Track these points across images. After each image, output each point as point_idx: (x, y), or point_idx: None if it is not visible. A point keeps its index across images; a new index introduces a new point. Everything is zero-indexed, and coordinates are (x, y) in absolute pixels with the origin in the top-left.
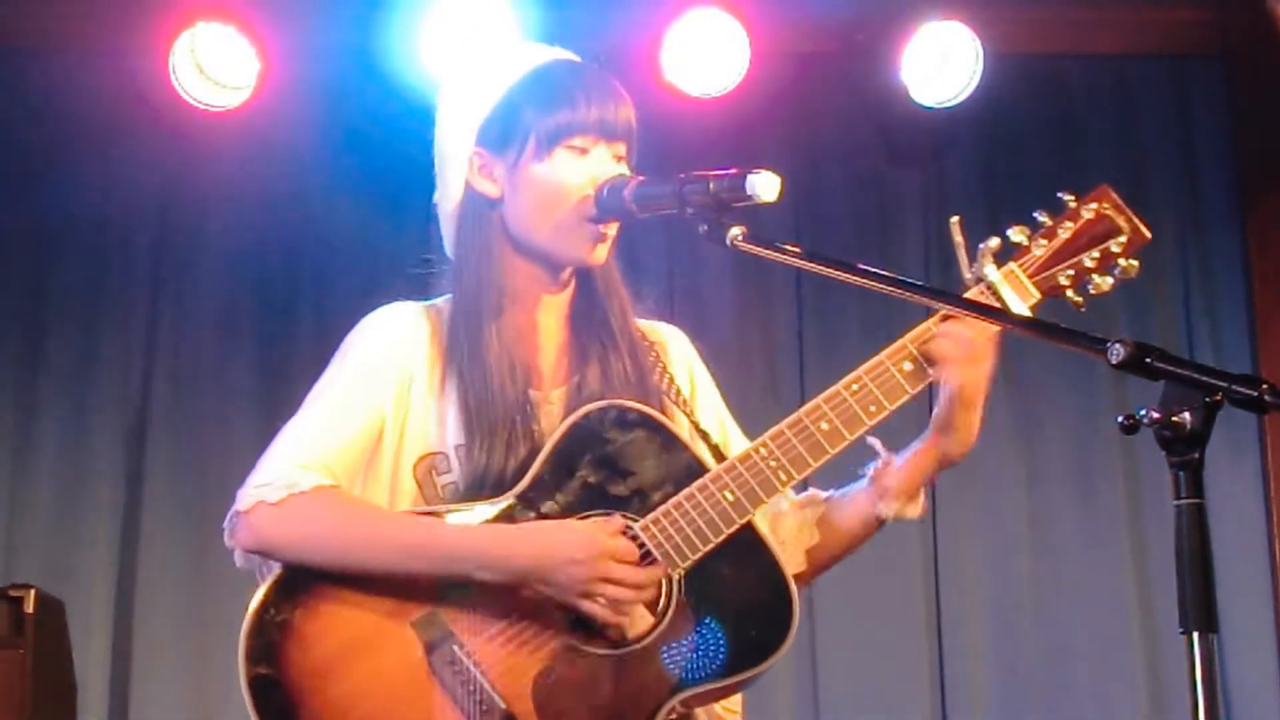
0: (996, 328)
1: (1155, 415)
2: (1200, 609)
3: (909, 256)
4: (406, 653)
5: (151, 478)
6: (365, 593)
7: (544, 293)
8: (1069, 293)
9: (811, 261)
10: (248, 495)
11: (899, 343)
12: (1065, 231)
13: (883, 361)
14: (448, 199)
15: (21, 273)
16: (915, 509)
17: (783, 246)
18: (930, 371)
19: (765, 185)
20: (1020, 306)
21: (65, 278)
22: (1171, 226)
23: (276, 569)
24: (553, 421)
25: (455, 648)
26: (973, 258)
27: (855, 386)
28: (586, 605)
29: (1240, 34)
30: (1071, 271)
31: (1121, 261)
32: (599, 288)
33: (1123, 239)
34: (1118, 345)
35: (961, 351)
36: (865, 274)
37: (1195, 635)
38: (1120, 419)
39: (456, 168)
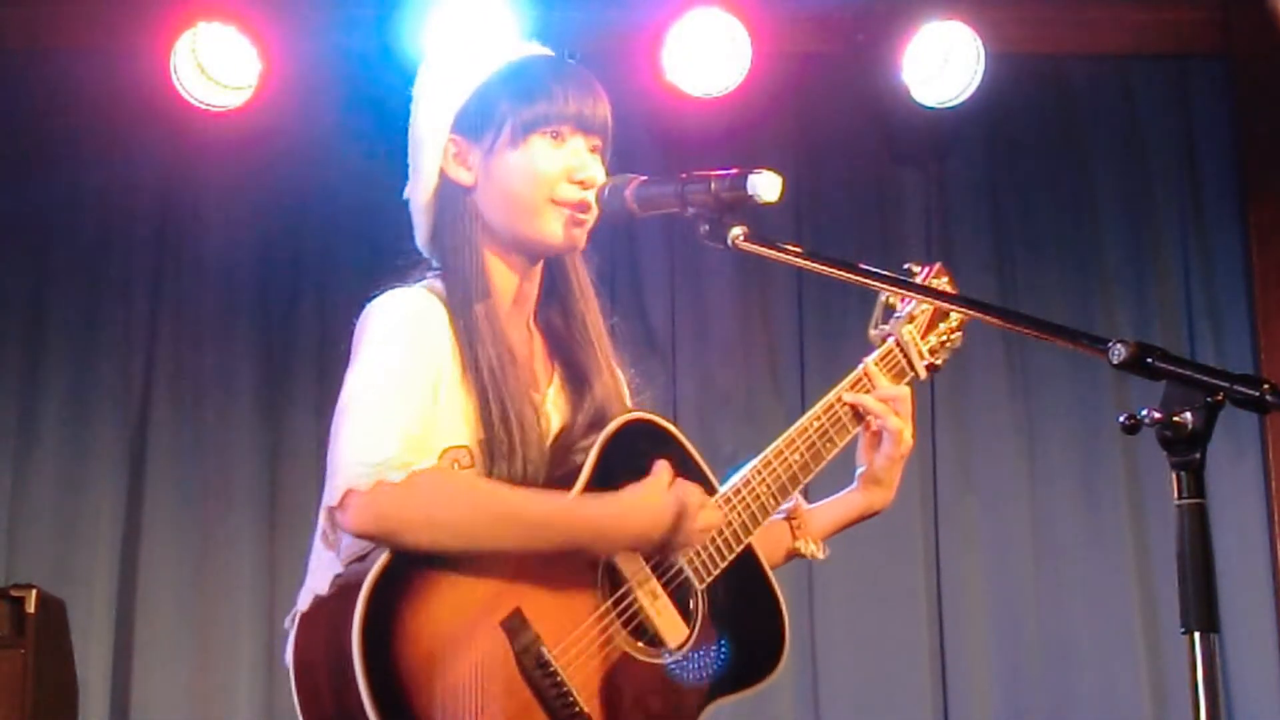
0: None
1: (1157, 415)
2: (1202, 608)
3: (910, 256)
4: (497, 651)
5: (153, 477)
6: (462, 583)
7: (518, 287)
8: (937, 360)
9: (813, 261)
10: (362, 474)
11: (834, 393)
12: (929, 305)
13: (831, 404)
14: (421, 188)
15: (22, 272)
16: (821, 552)
17: (784, 246)
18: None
19: (766, 185)
20: (919, 365)
21: (66, 277)
22: (1174, 226)
23: (381, 557)
24: (562, 419)
25: (543, 649)
26: (885, 318)
27: (816, 424)
28: (681, 559)
29: (1243, 34)
30: (935, 342)
31: (955, 336)
32: (574, 288)
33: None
34: (1119, 345)
35: (893, 407)
36: (866, 274)
37: (1197, 635)
38: (1122, 419)
39: (432, 154)
